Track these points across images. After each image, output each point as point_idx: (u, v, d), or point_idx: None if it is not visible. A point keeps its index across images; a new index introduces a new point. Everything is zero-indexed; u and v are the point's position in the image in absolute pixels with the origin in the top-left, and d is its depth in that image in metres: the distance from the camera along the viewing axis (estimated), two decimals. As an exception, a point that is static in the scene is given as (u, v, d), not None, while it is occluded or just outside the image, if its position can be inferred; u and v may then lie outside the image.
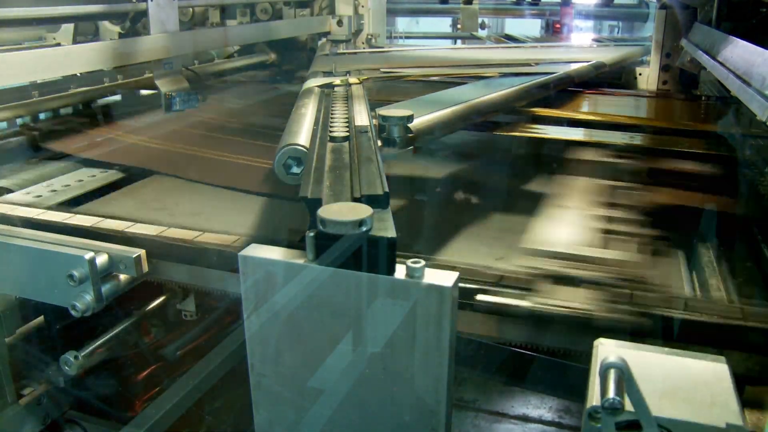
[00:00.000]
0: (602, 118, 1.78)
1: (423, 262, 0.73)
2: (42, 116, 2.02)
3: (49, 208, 1.31)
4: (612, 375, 0.67)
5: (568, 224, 1.29)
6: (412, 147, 1.16)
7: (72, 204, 1.41)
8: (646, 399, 0.66)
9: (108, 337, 1.33)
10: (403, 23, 5.92)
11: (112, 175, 1.58)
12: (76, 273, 1.05)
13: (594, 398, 0.67)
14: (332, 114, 1.28)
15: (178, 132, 1.90)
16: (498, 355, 1.03)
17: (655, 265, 1.15)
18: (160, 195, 1.47)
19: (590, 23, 5.98)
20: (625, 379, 0.67)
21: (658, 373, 0.68)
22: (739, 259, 1.12)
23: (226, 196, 1.44)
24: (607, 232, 1.21)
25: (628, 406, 0.65)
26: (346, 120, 1.22)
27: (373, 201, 0.80)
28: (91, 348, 1.28)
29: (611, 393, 0.64)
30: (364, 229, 0.72)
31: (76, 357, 1.23)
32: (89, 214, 1.23)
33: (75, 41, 2.59)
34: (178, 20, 2.14)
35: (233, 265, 0.83)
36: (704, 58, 1.71)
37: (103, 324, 1.33)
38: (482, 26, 5.07)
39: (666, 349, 0.72)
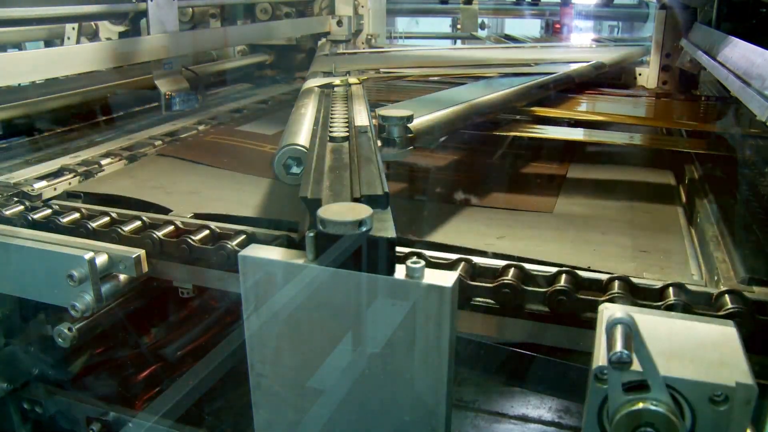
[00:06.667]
0: (602, 118, 1.78)
1: (423, 262, 0.73)
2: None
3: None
4: (619, 330, 0.65)
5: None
6: (411, 147, 1.16)
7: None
8: (653, 359, 0.64)
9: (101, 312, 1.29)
10: (403, 23, 5.91)
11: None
12: (75, 273, 1.05)
13: (600, 359, 0.65)
14: (332, 114, 1.28)
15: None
16: (498, 355, 1.03)
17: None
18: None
19: (590, 23, 5.97)
20: (633, 334, 0.65)
21: (665, 335, 0.66)
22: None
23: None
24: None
25: (634, 365, 0.63)
26: (346, 120, 1.22)
27: (372, 201, 0.80)
28: (85, 321, 1.25)
29: (619, 347, 0.62)
30: (363, 229, 0.72)
31: (69, 329, 1.20)
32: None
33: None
34: (178, 20, 2.14)
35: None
36: (704, 58, 1.71)
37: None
38: (482, 26, 5.07)
39: (672, 312, 0.71)
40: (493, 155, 1.80)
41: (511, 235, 1.21)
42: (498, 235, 1.21)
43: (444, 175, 1.64)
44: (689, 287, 0.91)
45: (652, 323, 0.68)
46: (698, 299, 0.90)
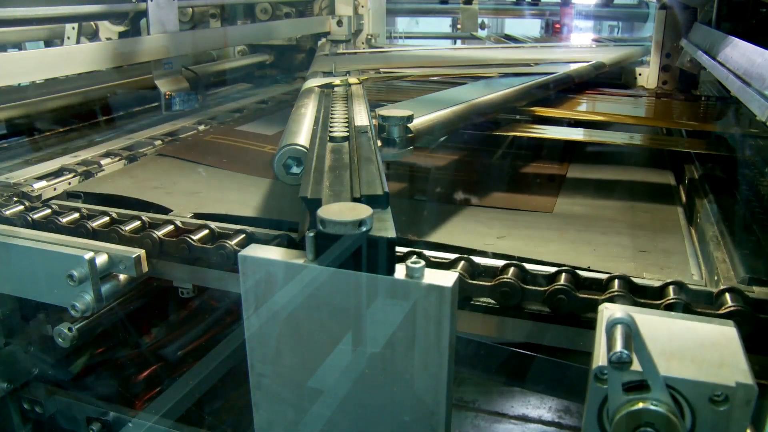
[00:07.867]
0: (602, 118, 1.78)
1: (423, 262, 0.73)
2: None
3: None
4: (619, 330, 0.65)
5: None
6: (411, 147, 1.16)
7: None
8: (653, 359, 0.64)
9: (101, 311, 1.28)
10: (403, 23, 5.91)
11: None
12: (75, 273, 1.05)
13: (600, 359, 0.65)
14: (332, 114, 1.28)
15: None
16: (498, 355, 1.03)
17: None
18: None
19: (590, 23, 5.97)
20: (633, 334, 0.65)
21: (665, 335, 0.66)
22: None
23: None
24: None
25: (634, 365, 0.63)
26: (346, 120, 1.22)
27: (372, 201, 0.80)
28: (85, 321, 1.24)
29: (619, 347, 0.63)
30: (363, 229, 0.72)
31: (69, 329, 1.19)
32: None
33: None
34: (178, 20, 2.14)
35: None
36: (704, 58, 1.71)
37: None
38: (482, 26, 5.06)
39: (672, 312, 0.71)
40: (493, 155, 1.80)
41: (511, 235, 1.22)
42: (498, 235, 1.21)
43: (444, 175, 1.63)
44: (689, 286, 0.91)
45: (652, 323, 0.68)
46: (698, 298, 0.90)
